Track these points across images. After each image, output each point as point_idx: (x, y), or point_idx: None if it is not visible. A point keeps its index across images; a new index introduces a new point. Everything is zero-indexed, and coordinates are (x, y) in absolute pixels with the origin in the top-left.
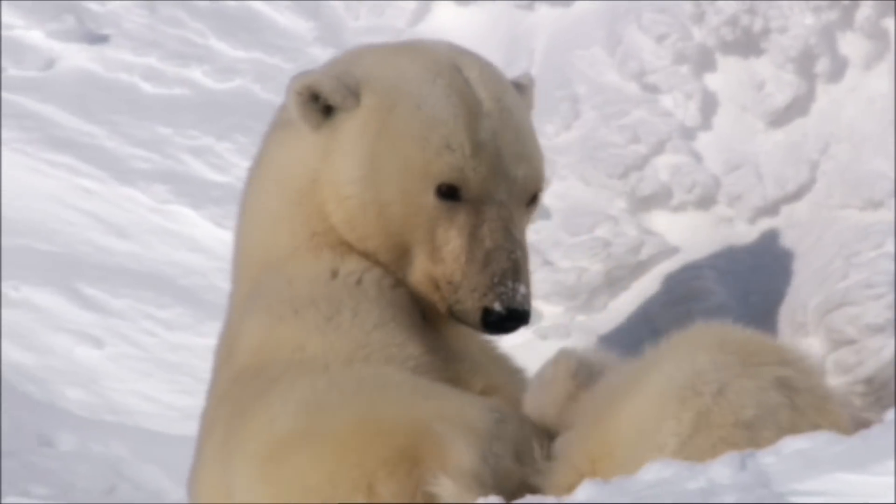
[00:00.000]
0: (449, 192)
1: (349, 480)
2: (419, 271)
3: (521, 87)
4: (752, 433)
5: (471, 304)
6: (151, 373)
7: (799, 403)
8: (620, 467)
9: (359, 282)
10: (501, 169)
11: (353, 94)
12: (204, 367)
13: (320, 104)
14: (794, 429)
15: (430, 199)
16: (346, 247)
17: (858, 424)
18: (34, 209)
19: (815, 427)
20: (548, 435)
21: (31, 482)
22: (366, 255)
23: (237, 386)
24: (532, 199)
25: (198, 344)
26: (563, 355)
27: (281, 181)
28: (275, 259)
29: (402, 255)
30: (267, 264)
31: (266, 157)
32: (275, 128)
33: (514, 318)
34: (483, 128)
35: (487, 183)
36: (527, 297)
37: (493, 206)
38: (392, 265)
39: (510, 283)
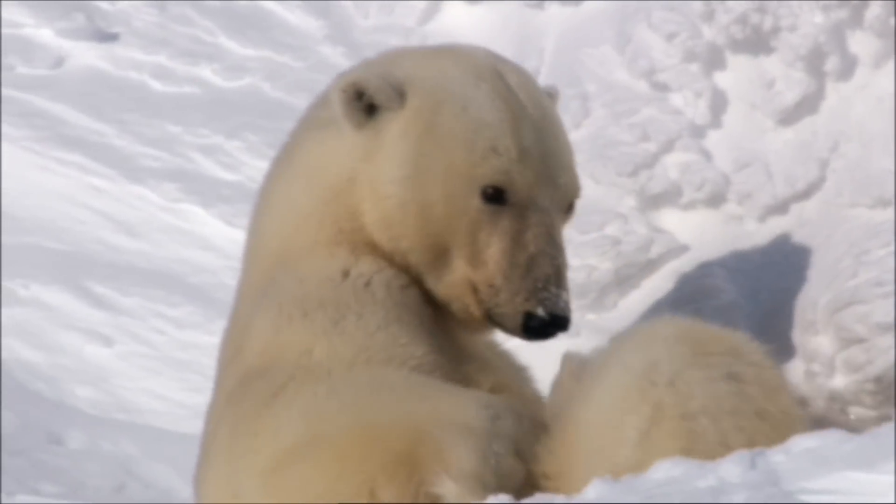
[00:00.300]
0: (494, 196)
1: (351, 487)
2: (456, 274)
3: (549, 97)
4: (692, 424)
5: (512, 308)
6: (161, 371)
7: (747, 392)
8: (589, 459)
9: (367, 284)
10: (546, 175)
11: (398, 93)
12: (214, 365)
13: (364, 103)
14: (736, 415)
15: (475, 201)
16: (367, 248)
17: (867, 423)
18: (44, 207)
19: (760, 415)
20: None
21: (41, 480)
22: (395, 255)
23: (243, 386)
24: (569, 208)
25: (208, 342)
26: (566, 358)
27: (314, 178)
28: (291, 253)
29: (439, 256)
30: (282, 258)
31: (298, 153)
32: (308, 125)
33: (556, 323)
34: (527, 133)
35: (533, 188)
36: (568, 304)
37: (537, 211)
38: (425, 266)
39: (553, 289)
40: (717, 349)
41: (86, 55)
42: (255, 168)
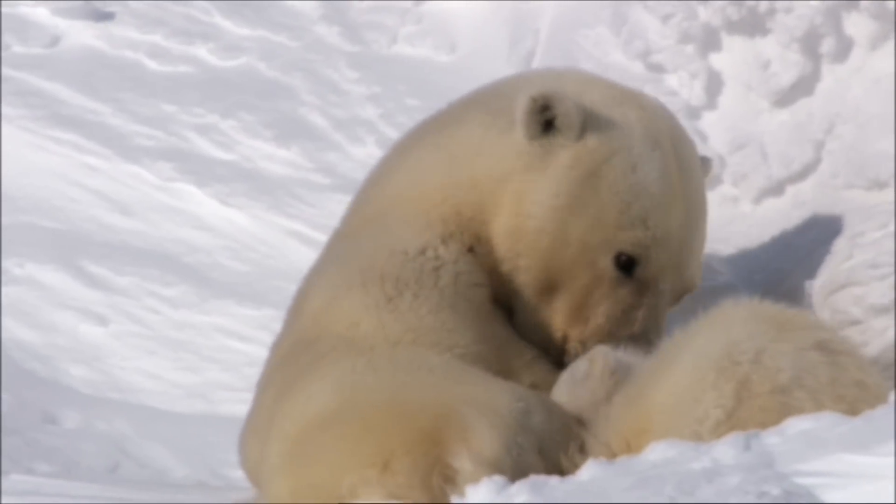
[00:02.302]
0: (626, 265)
1: (366, 456)
2: (552, 318)
3: (703, 163)
4: (786, 397)
5: None
6: (156, 350)
7: (840, 361)
8: (663, 437)
9: (437, 268)
10: (678, 263)
11: (580, 125)
12: (208, 345)
13: (544, 117)
14: (834, 384)
15: (606, 262)
16: (466, 239)
17: None
18: (39, 186)
19: (859, 385)
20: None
21: (35, 460)
22: (502, 264)
23: (294, 352)
24: (681, 298)
25: (202, 322)
26: (599, 353)
27: (461, 158)
28: (392, 216)
29: (545, 291)
30: (380, 217)
31: (456, 129)
32: (476, 106)
33: None
34: (677, 215)
35: (662, 271)
36: None
37: (656, 294)
38: (526, 291)
39: None
40: (800, 324)
41: (81, 34)
42: (250, 147)
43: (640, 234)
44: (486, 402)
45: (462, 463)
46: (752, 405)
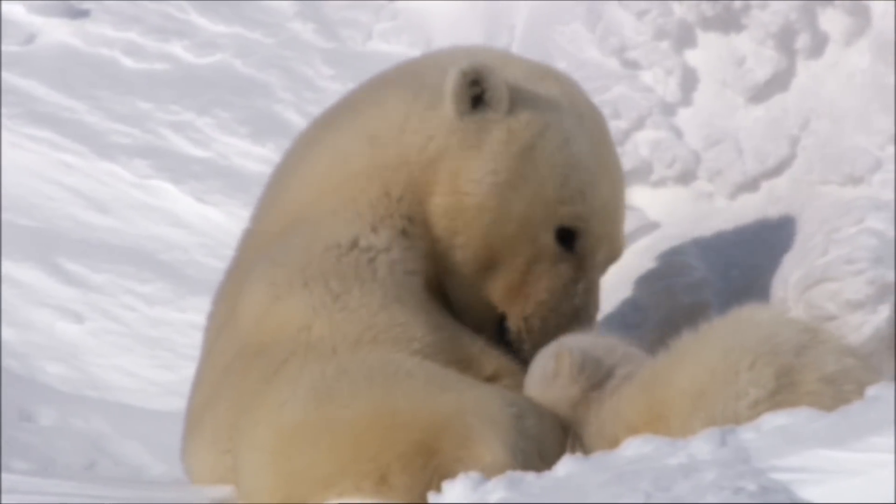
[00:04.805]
0: (566, 239)
1: (362, 471)
2: (490, 296)
3: None
4: (836, 388)
5: (534, 352)
6: (132, 348)
7: (870, 369)
8: (679, 426)
9: (371, 260)
10: (611, 233)
11: (508, 99)
12: (184, 342)
13: (473, 92)
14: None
15: (547, 236)
16: (397, 221)
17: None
18: (14, 184)
19: None
20: (563, 430)
21: (12, 457)
22: (439, 242)
23: (243, 361)
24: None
25: (178, 319)
26: (563, 350)
27: (383, 139)
28: (316, 210)
29: (483, 268)
30: (303, 214)
31: (370, 110)
32: (397, 85)
33: None
34: (609, 186)
35: (598, 243)
36: None
37: (592, 267)
38: (462, 268)
39: None
40: (829, 332)
41: (57, 31)
42: (226, 144)
43: (580, 208)
44: (481, 409)
45: (470, 472)
46: (797, 390)
